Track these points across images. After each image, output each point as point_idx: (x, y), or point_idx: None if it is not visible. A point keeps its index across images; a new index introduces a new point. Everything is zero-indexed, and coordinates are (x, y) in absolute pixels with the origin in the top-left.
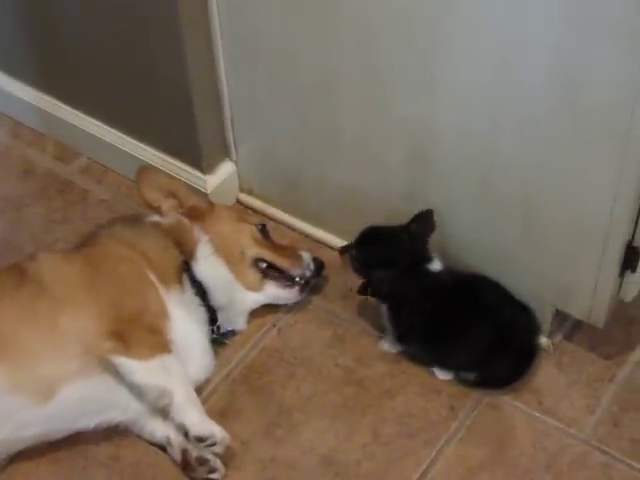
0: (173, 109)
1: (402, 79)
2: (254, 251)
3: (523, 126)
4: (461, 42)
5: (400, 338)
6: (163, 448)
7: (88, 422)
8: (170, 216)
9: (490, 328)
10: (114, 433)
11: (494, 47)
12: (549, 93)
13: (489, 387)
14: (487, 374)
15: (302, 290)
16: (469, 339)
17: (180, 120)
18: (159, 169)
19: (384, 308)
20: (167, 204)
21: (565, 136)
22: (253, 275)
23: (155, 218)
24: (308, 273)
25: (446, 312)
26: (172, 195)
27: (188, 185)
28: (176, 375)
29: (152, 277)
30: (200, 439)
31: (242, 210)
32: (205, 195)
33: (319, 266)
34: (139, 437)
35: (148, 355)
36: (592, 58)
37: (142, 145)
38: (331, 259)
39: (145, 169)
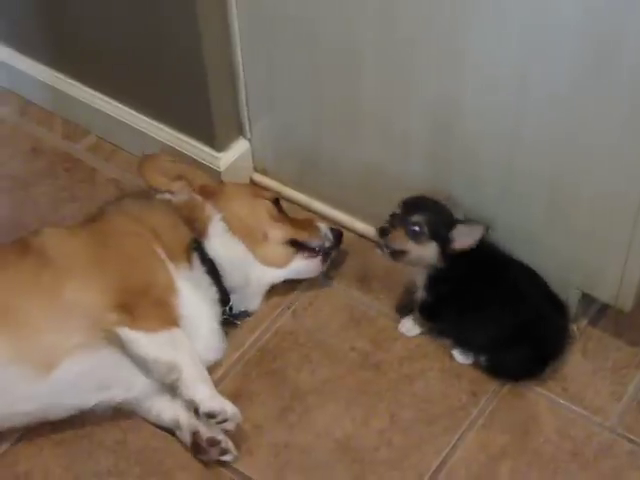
0: (186, 85)
1: (426, 52)
2: (277, 233)
3: (550, 101)
4: (486, 12)
5: (428, 308)
6: (171, 432)
7: (90, 399)
8: (182, 194)
9: (513, 314)
10: (120, 417)
11: (519, 17)
12: (577, 66)
13: (497, 375)
14: (497, 361)
15: (324, 260)
16: (489, 319)
17: (193, 97)
18: (160, 155)
19: (421, 275)
20: (176, 185)
21: (593, 109)
22: (279, 253)
23: (166, 195)
24: (327, 243)
25: (477, 286)
26: (179, 177)
27: (197, 164)
28: (184, 349)
29: (160, 253)
30: (211, 415)
31: (253, 186)
32: (218, 174)
33: (337, 235)
34: (146, 421)
35: (156, 327)
36: (623, 25)
37: (154, 122)
38: (348, 241)
39: (146, 158)
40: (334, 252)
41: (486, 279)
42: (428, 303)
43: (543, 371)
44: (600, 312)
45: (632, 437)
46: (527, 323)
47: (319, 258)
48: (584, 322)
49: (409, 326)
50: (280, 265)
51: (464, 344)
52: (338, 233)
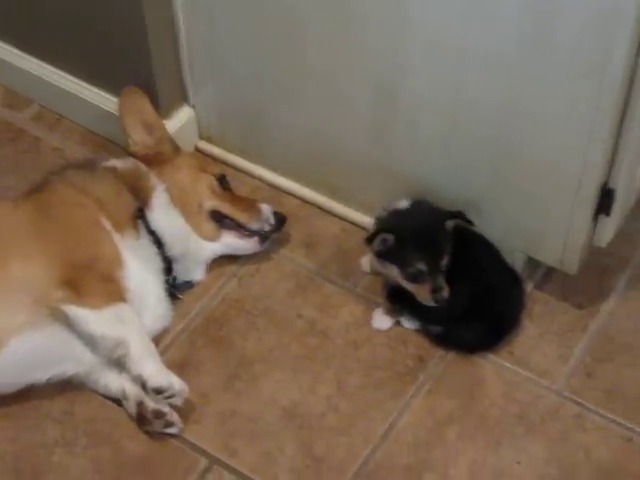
0: (128, 52)
1: (370, 12)
2: (210, 203)
3: (493, 63)
4: None
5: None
6: (119, 402)
7: (40, 375)
8: (127, 160)
9: (471, 289)
10: (68, 388)
11: None
12: (519, 26)
13: (451, 346)
14: (454, 333)
15: (262, 241)
16: (450, 293)
17: (135, 63)
18: (146, 97)
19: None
20: (139, 136)
21: (537, 73)
22: (208, 225)
23: (111, 163)
24: (267, 227)
25: None
26: (149, 130)
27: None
28: (132, 324)
29: (105, 223)
30: (158, 390)
31: (205, 160)
32: None
33: (280, 220)
34: (94, 392)
35: (102, 304)
36: None
37: (97, 90)
38: (294, 208)
39: (132, 90)
40: (275, 235)
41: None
42: (393, 288)
43: (497, 344)
44: (546, 276)
45: (579, 400)
46: (483, 296)
47: (256, 239)
48: (530, 286)
49: (380, 319)
50: (211, 238)
51: (420, 316)
52: (281, 218)
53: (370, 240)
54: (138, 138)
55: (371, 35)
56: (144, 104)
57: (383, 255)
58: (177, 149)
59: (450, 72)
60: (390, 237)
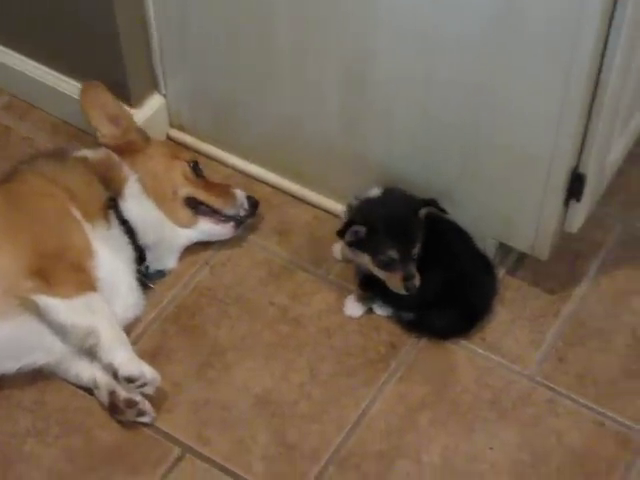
0: (98, 40)
1: (337, 2)
2: (185, 190)
3: (462, 48)
4: None
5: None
6: (90, 391)
7: (11, 365)
8: (99, 150)
9: (443, 276)
10: (39, 377)
11: None
12: (488, 12)
13: (423, 333)
14: (426, 320)
15: (237, 226)
16: (422, 280)
17: (106, 51)
18: (107, 89)
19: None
20: (106, 129)
21: (505, 57)
22: (184, 212)
23: (82, 153)
24: (242, 212)
25: None
26: (115, 121)
27: None
28: (102, 314)
29: (76, 213)
30: (130, 379)
31: (176, 147)
32: None
33: (253, 204)
34: (65, 381)
35: (72, 293)
36: None
37: (68, 79)
38: (266, 196)
39: (92, 85)
40: (249, 219)
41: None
42: (366, 275)
43: (470, 330)
44: (518, 261)
45: (551, 385)
46: (455, 282)
47: (231, 224)
48: (502, 272)
49: (353, 306)
50: (186, 225)
51: (392, 303)
52: (254, 202)
53: (342, 233)
54: (105, 131)
55: (340, 21)
56: (106, 97)
57: (355, 244)
58: (147, 138)
59: (420, 58)
60: (362, 229)
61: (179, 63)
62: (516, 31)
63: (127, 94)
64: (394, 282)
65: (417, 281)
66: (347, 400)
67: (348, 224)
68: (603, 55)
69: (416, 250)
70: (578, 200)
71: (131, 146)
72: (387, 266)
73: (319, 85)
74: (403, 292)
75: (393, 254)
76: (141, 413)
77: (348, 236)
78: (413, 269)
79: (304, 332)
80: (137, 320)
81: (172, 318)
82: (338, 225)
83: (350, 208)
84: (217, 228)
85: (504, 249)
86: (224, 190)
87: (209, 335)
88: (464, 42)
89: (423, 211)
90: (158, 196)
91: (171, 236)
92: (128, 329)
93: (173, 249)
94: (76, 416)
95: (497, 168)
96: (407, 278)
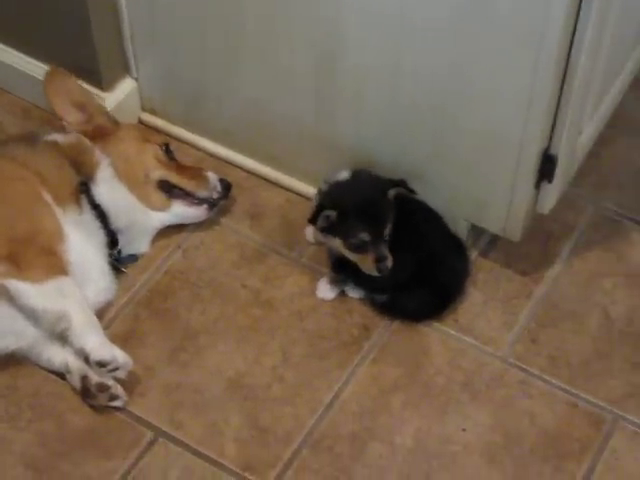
0: (69, 23)
1: None
2: (158, 173)
3: (431, 30)
4: None
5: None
6: (62, 376)
7: None
8: (70, 135)
9: (415, 258)
10: (11, 362)
11: None
12: None
13: (395, 315)
14: (398, 302)
15: (210, 208)
16: (394, 261)
17: (76, 34)
18: (72, 75)
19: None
20: (73, 116)
21: (474, 39)
22: (157, 196)
23: (52, 137)
24: (215, 195)
25: None
26: (81, 108)
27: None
28: (73, 298)
29: (46, 197)
30: (101, 364)
31: (147, 130)
32: None
33: (226, 187)
34: (37, 366)
35: (43, 277)
36: None
37: (37, 62)
38: (238, 179)
39: (56, 71)
40: (222, 202)
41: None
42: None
43: (442, 312)
44: (490, 243)
45: (523, 366)
46: (427, 264)
47: (204, 207)
48: (474, 253)
49: (325, 289)
50: (160, 208)
51: (364, 286)
52: (227, 184)
53: (313, 219)
54: (71, 119)
55: (309, 4)
56: (71, 83)
57: (326, 229)
58: (116, 122)
59: (389, 40)
60: (332, 213)
61: (150, 46)
62: (484, 13)
63: (98, 78)
64: (366, 264)
65: (389, 262)
66: (320, 383)
67: (319, 209)
68: (573, 36)
69: (387, 231)
70: (550, 181)
71: (100, 131)
72: (359, 248)
73: (289, 68)
74: (376, 274)
75: (364, 236)
76: (113, 397)
77: (320, 222)
78: (385, 250)
79: (276, 315)
80: (109, 304)
81: (144, 302)
82: (310, 208)
83: (320, 193)
84: (190, 211)
85: (476, 231)
86: (196, 173)
87: (181, 319)
88: (433, 25)
89: (392, 192)
90: (130, 180)
91: (144, 220)
92: (100, 313)
93: (146, 233)
94: (48, 401)
95: (467, 150)
96: (379, 260)
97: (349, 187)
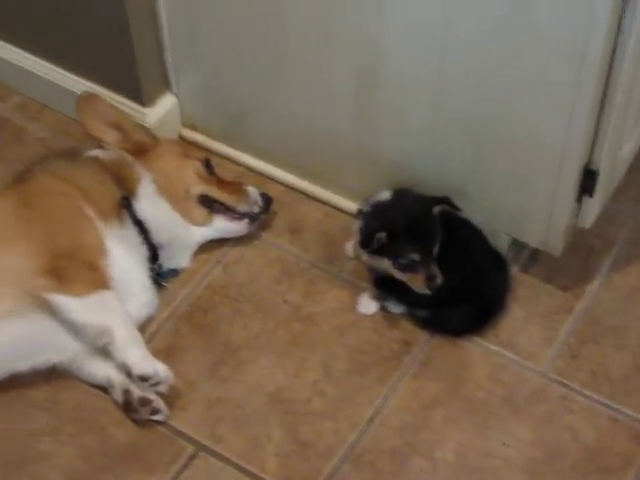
0: (110, 39)
1: None
2: (199, 188)
3: (473, 44)
4: None
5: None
6: (105, 390)
7: (25, 363)
8: (111, 151)
9: (458, 274)
10: (53, 376)
11: None
12: (499, 6)
13: (437, 330)
14: (440, 317)
15: (251, 222)
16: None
17: (118, 51)
18: (104, 98)
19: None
20: (111, 136)
21: (518, 52)
22: (199, 211)
23: (94, 152)
24: (256, 209)
25: None
26: (116, 127)
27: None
28: (116, 312)
29: (89, 212)
30: (143, 378)
31: (187, 145)
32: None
33: (267, 201)
34: (79, 380)
35: (85, 291)
36: None
37: (80, 79)
38: (278, 194)
39: (88, 95)
40: (263, 216)
41: None
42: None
43: (483, 327)
44: (531, 258)
45: (564, 381)
46: (469, 280)
47: (245, 221)
48: (515, 268)
49: (366, 304)
50: (201, 223)
51: (406, 301)
52: (268, 199)
53: (365, 244)
54: (109, 139)
55: (351, 19)
56: (102, 105)
57: (374, 251)
58: (155, 137)
59: (431, 55)
60: (383, 235)
61: (190, 62)
62: (526, 24)
63: (139, 94)
64: (417, 283)
65: (439, 280)
66: (361, 397)
67: (367, 232)
68: (614, 49)
69: (436, 249)
70: (591, 196)
71: (140, 147)
72: (409, 268)
73: (330, 83)
74: (426, 292)
75: (415, 256)
76: (155, 411)
77: (374, 244)
78: (435, 269)
79: (317, 330)
80: (150, 319)
81: (185, 316)
82: (351, 227)
83: (362, 214)
84: (232, 225)
85: (517, 245)
86: (237, 187)
87: (222, 333)
88: (475, 39)
89: (437, 209)
90: (172, 195)
91: (185, 235)
92: (142, 328)
93: (187, 248)
94: (90, 414)
95: (509, 164)
96: (430, 278)
97: (395, 207)
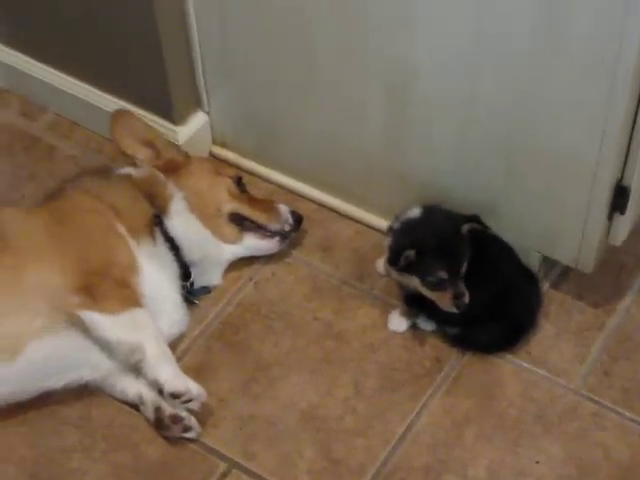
0: (141, 58)
1: (378, 15)
2: (230, 206)
3: (505, 61)
4: None
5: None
6: (136, 407)
7: (57, 381)
8: (143, 168)
9: (489, 291)
10: (85, 393)
11: None
12: (531, 23)
13: (468, 347)
14: (471, 335)
15: (282, 240)
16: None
17: (149, 69)
18: (136, 115)
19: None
20: (143, 154)
21: (550, 70)
22: (230, 228)
23: (126, 170)
24: (287, 227)
25: None
26: (149, 144)
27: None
28: (148, 329)
29: (121, 229)
30: (175, 395)
31: (218, 163)
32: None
33: (297, 219)
34: (111, 397)
35: (117, 309)
36: None
37: (111, 97)
38: (308, 212)
39: (121, 113)
40: (294, 234)
41: None
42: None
43: (515, 344)
44: (562, 275)
45: (596, 398)
46: (500, 298)
47: (276, 239)
48: (546, 285)
49: (397, 321)
50: (232, 241)
51: (437, 318)
52: (298, 217)
53: (393, 261)
54: (141, 156)
55: (381, 38)
56: (135, 122)
57: (403, 268)
58: (186, 155)
59: (462, 73)
60: (411, 252)
61: (222, 81)
62: (559, 41)
63: (171, 112)
64: (444, 301)
65: (467, 298)
66: (392, 415)
67: (396, 249)
68: None
69: (464, 268)
70: (622, 213)
71: (171, 164)
72: (437, 286)
73: (360, 102)
74: (454, 310)
75: (442, 274)
76: (187, 429)
77: (402, 262)
78: (462, 287)
79: (348, 347)
80: (182, 336)
81: (217, 334)
82: (381, 244)
83: (392, 232)
84: (263, 243)
85: (548, 262)
86: (268, 205)
87: (254, 350)
88: (507, 55)
89: (466, 227)
90: (203, 213)
91: (216, 252)
92: (173, 345)
93: (218, 265)
94: (122, 431)
95: (541, 181)
96: (457, 297)
97: (423, 225)
